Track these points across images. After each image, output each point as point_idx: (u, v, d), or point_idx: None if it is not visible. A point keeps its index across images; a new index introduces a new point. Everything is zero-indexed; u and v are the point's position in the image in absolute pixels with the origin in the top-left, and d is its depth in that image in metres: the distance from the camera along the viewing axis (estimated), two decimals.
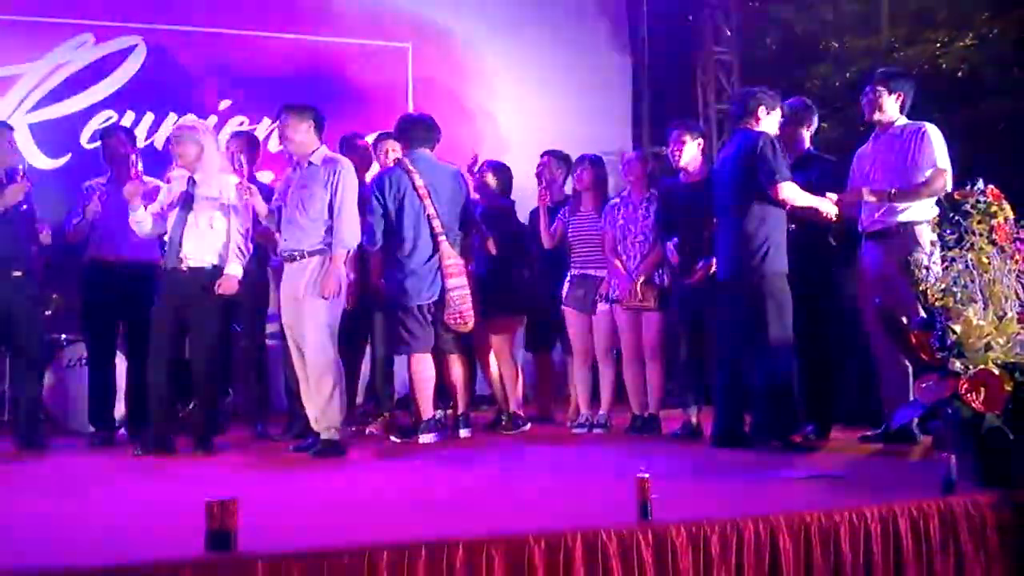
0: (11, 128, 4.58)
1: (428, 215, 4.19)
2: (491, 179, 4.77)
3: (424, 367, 4.26)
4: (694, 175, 4.23)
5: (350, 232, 3.94)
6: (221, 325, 4.19)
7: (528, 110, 6.79)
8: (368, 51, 6.58)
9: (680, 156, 4.20)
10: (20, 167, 4.42)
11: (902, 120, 3.87)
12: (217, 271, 4.06)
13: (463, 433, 4.37)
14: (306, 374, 3.93)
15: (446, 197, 4.26)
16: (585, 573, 2.10)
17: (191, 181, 4.08)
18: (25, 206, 4.36)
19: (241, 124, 6.24)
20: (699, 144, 4.24)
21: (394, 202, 4.20)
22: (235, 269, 4.06)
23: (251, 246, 4.19)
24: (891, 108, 3.84)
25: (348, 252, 3.98)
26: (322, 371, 3.86)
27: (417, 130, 4.37)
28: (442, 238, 4.20)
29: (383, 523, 2.36)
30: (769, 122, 3.82)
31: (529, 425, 4.66)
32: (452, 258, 4.20)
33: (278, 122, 4.08)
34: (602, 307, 4.41)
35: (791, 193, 3.67)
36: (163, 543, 2.11)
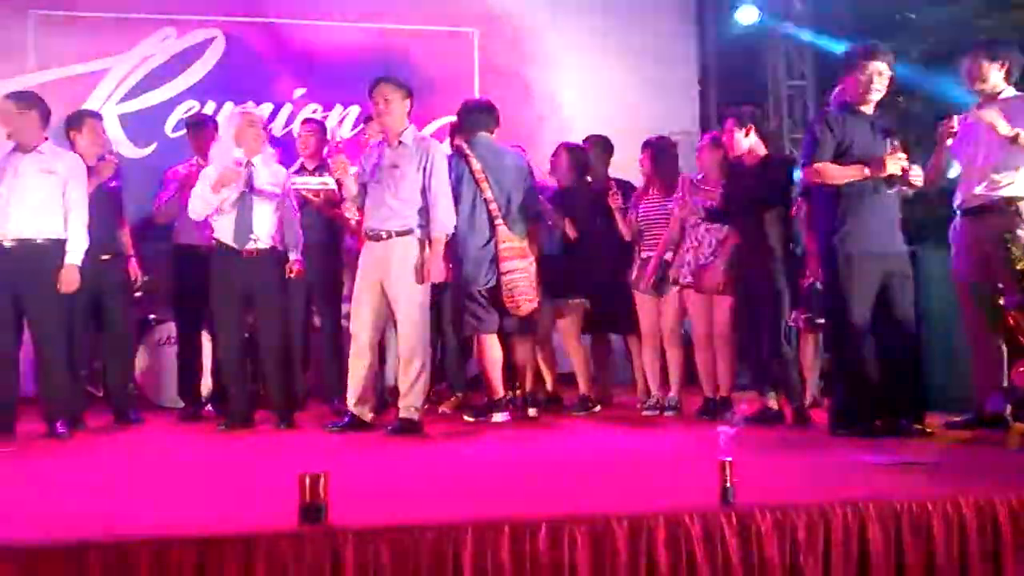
0: (101, 117, 4.87)
1: (484, 199, 4.24)
2: (565, 160, 4.81)
3: (491, 348, 4.35)
4: (752, 160, 4.15)
5: (447, 215, 4.03)
6: (288, 304, 4.42)
7: (592, 91, 6.82)
8: (435, 37, 6.70)
9: (731, 146, 4.16)
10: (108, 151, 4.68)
11: (1009, 90, 3.69)
12: (279, 253, 4.28)
13: (531, 413, 4.47)
14: (360, 348, 4.04)
15: (507, 181, 4.30)
16: (668, 556, 2.13)
17: (251, 165, 4.24)
18: (114, 183, 4.64)
19: (314, 112, 6.44)
20: (747, 132, 4.09)
21: (454, 186, 4.24)
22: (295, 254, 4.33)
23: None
24: (995, 77, 3.66)
25: (447, 234, 4.06)
26: (413, 351, 3.98)
27: (475, 115, 4.44)
28: (499, 222, 4.23)
29: (465, 500, 2.48)
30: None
31: (599, 407, 4.76)
32: (508, 242, 4.22)
33: (374, 95, 4.06)
34: (672, 290, 4.45)
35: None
36: (256, 515, 2.25)
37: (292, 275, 4.35)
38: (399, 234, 4.00)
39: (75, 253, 4.09)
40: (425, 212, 4.01)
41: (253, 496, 2.61)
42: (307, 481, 2.11)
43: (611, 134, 5.19)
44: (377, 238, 4.04)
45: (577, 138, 5.18)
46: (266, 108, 6.33)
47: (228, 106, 6.39)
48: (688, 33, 7.17)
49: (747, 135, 4.11)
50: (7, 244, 4.02)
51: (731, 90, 6.88)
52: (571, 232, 4.67)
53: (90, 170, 4.34)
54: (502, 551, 2.11)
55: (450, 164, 4.30)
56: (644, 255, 4.59)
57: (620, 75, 6.84)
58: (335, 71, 6.52)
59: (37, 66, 6.20)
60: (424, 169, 4.01)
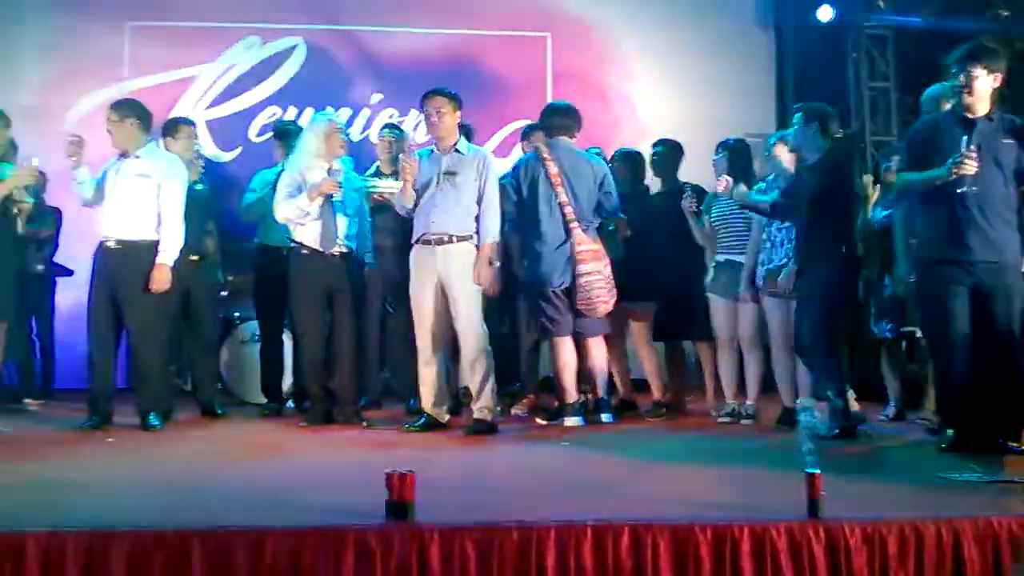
0: (194, 124, 5.07)
1: (560, 202, 4.28)
2: (620, 167, 4.86)
3: (564, 351, 4.36)
4: (809, 159, 4.05)
5: (495, 222, 4.16)
6: (365, 306, 4.55)
7: (666, 93, 6.78)
8: (508, 42, 6.75)
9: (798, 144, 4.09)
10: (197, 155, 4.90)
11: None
12: (357, 255, 4.42)
13: (603, 418, 4.44)
14: (427, 356, 4.16)
15: (583, 184, 4.34)
16: (753, 567, 2.13)
17: (340, 172, 4.34)
18: (200, 186, 4.83)
19: (391, 116, 6.56)
20: (815, 129, 3.96)
21: (527, 189, 4.34)
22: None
23: None
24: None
25: (494, 242, 4.16)
26: (478, 353, 4.08)
27: (555, 118, 4.48)
28: (574, 224, 4.27)
29: (547, 502, 2.51)
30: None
31: (672, 413, 4.73)
32: (585, 244, 4.27)
33: (427, 106, 4.20)
34: (748, 294, 4.39)
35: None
36: (343, 510, 2.33)
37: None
38: (459, 239, 4.11)
39: (167, 253, 4.28)
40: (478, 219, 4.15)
41: (340, 492, 2.69)
42: (395, 480, 2.18)
43: (686, 136, 5.16)
44: (439, 242, 4.13)
45: (652, 140, 5.17)
46: (344, 113, 6.49)
47: (308, 112, 6.59)
48: (766, 34, 7.05)
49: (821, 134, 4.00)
50: (110, 245, 4.25)
51: (810, 92, 6.72)
52: (624, 231, 4.65)
53: None
54: (585, 554, 2.14)
55: (527, 167, 4.37)
56: (721, 258, 4.55)
57: (696, 77, 6.75)
58: (411, 76, 6.58)
59: (131, 74, 6.50)
60: (481, 176, 4.16)
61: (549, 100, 6.50)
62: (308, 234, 4.35)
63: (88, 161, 4.33)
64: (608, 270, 4.32)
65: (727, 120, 6.03)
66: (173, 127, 4.82)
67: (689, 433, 4.30)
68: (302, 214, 4.30)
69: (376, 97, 6.66)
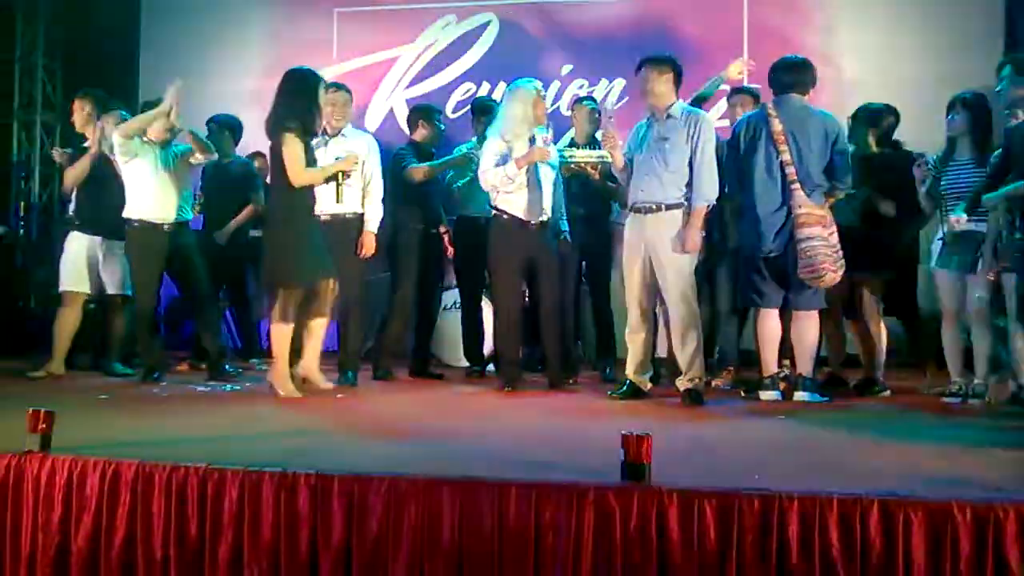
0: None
1: (782, 161, 4.03)
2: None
3: (768, 322, 4.17)
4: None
5: (710, 186, 4.02)
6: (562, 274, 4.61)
7: (873, 51, 6.30)
8: (701, 4, 6.54)
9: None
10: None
11: None
12: (554, 225, 4.49)
13: (802, 396, 4.11)
14: (635, 323, 4.12)
15: (813, 144, 4.05)
16: (1020, 553, 1.99)
17: (537, 139, 4.37)
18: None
19: (581, 87, 6.56)
20: None
21: (745, 147, 4.13)
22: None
23: None
24: None
25: (708, 206, 4.04)
26: (687, 323, 4.02)
27: (783, 74, 4.19)
28: (795, 186, 3.99)
29: (780, 473, 2.45)
30: None
31: (888, 391, 4.46)
32: (805, 207, 3.96)
33: (639, 76, 4.14)
34: (991, 268, 4.00)
35: None
36: (577, 469, 2.39)
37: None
38: (668, 207, 4.02)
39: (373, 222, 4.62)
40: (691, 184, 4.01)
41: (571, 453, 2.76)
42: (631, 441, 2.20)
43: (896, 98, 4.81)
44: (646, 210, 4.07)
45: (859, 103, 4.84)
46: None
47: (501, 86, 6.73)
48: None
49: None
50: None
51: None
52: (887, 208, 4.37)
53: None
54: (830, 527, 2.07)
55: (748, 124, 4.18)
56: (948, 230, 4.18)
57: (906, 33, 6.24)
58: (601, 46, 6.60)
59: (339, 58, 6.91)
60: (693, 139, 4.01)
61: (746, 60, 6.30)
62: (512, 203, 4.42)
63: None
64: (835, 238, 3.99)
65: (943, 76, 5.54)
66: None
67: (916, 412, 3.99)
68: (508, 182, 4.37)
69: (566, 68, 6.68)
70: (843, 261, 4.01)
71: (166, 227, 4.74)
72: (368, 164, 4.63)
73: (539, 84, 4.61)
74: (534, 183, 4.40)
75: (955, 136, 4.18)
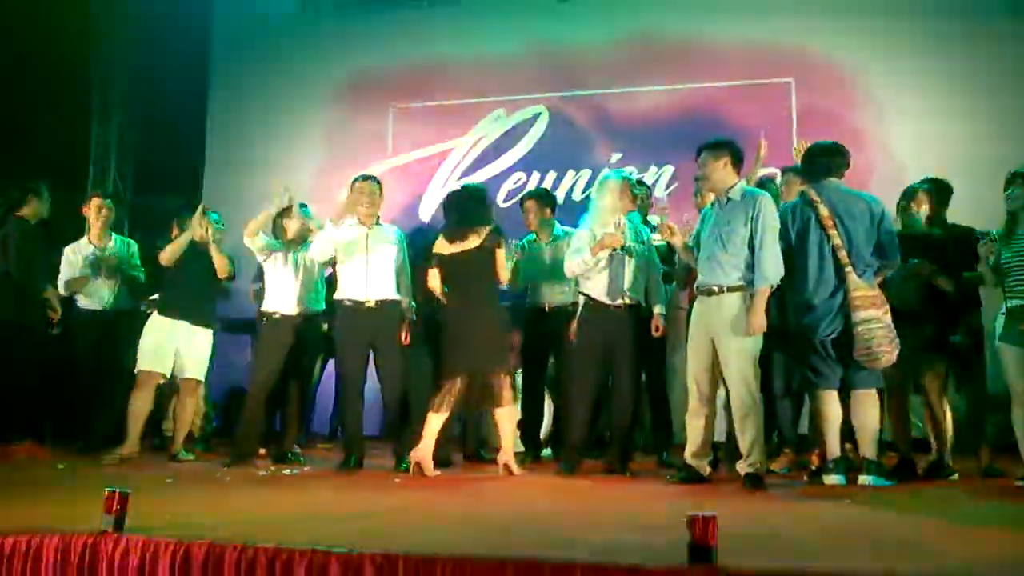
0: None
1: (834, 246, 4.07)
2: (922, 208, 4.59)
3: (829, 404, 4.13)
4: None
5: (773, 267, 3.98)
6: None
7: (922, 132, 6.38)
8: (750, 90, 6.72)
9: None
10: None
11: None
12: (640, 307, 4.56)
13: (867, 480, 4.00)
14: (695, 406, 4.10)
15: (859, 226, 4.09)
16: None
17: (617, 225, 4.51)
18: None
19: (631, 174, 6.70)
20: None
21: (795, 236, 4.16)
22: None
23: None
24: None
25: (772, 287, 4.01)
26: (748, 407, 3.97)
27: (820, 158, 4.28)
28: (848, 269, 4.03)
29: (850, 555, 2.39)
30: None
31: (957, 475, 4.33)
32: (861, 290, 3.99)
33: (698, 161, 4.22)
34: None
35: None
36: (642, 550, 2.36)
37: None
38: (730, 289, 4.02)
39: (410, 310, 4.86)
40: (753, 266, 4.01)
41: (636, 534, 2.73)
42: (698, 523, 2.17)
43: (952, 178, 4.81)
44: (709, 293, 4.10)
45: (909, 181, 4.86)
46: (584, 174, 6.74)
47: (551, 176, 6.93)
48: None
49: None
50: (370, 305, 4.75)
51: None
52: (947, 286, 4.33)
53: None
54: None
55: (794, 212, 4.23)
56: (1013, 303, 4.12)
57: (953, 117, 6.32)
58: (649, 134, 6.80)
59: (394, 152, 7.22)
60: (753, 221, 4.02)
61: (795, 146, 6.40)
62: (594, 287, 4.53)
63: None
64: (888, 318, 4.00)
65: (993, 160, 5.53)
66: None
67: (992, 498, 3.84)
68: (586, 267, 4.49)
69: (615, 156, 6.87)
70: (898, 341, 3.99)
71: (296, 318, 4.97)
72: (399, 254, 4.88)
73: (629, 173, 4.82)
74: (616, 267, 4.50)
75: (1015, 210, 4.17)
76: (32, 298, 5.30)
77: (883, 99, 6.52)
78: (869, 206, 4.16)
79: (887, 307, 4.02)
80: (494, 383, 4.43)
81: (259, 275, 5.48)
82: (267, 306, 5.01)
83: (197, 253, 5.19)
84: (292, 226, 5.04)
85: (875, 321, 3.95)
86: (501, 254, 4.51)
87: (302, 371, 5.15)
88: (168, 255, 5.16)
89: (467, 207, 4.58)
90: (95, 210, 5.69)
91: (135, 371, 5.17)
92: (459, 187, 4.92)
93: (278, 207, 4.90)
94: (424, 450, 4.39)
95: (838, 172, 4.26)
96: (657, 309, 4.58)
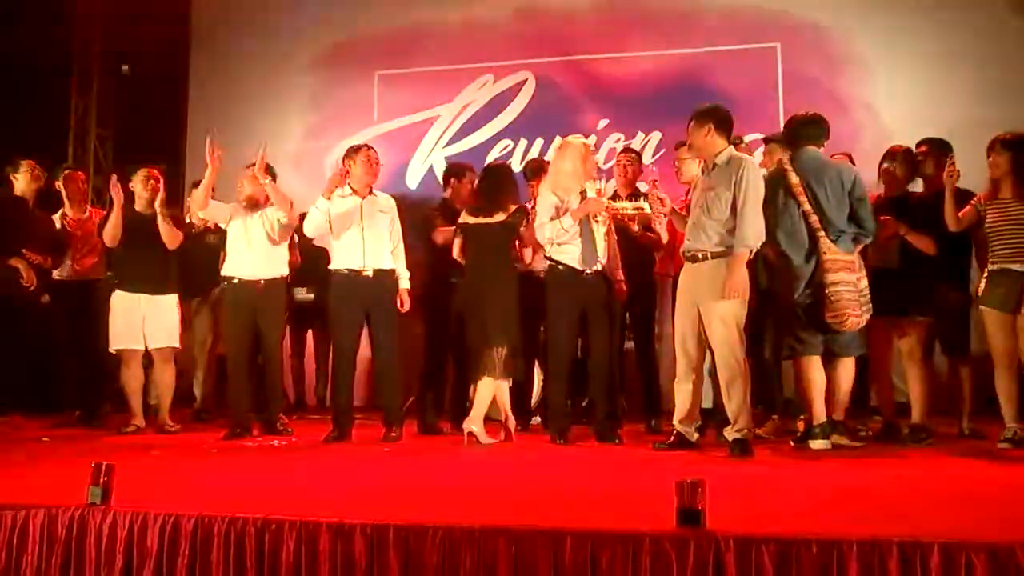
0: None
1: (803, 211, 4.11)
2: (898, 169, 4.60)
3: (812, 371, 4.15)
4: None
5: (753, 231, 3.98)
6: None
7: (910, 96, 6.32)
8: (736, 55, 6.64)
9: None
10: None
11: None
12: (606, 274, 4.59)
13: (816, 445, 4.04)
14: (682, 372, 4.11)
15: (831, 194, 4.13)
16: None
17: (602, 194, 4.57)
18: None
19: (618, 141, 6.66)
20: None
21: (771, 203, 4.17)
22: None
23: None
24: None
25: (751, 252, 4.02)
26: (733, 373, 3.98)
27: (798, 128, 4.34)
28: (821, 234, 4.08)
29: (841, 518, 2.41)
30: None
31: (931, 439, 4.36)
32: (831, 253, 4.05)
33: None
34: None
35: None
36: (632, 515, 2.39)
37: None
38: (713, 255, 4.03)
39: (406, 279, 4.85)
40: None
41: (625, 500, 2.76)
42: (685, 487, 2.19)
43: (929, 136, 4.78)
44: (693, 258, 4.11)
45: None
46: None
47: (538, 143, 6.87)
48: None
49: None
50: (368, 275, 4.71)
51: None
52: (926, 246, 4.35)
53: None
54: (891, 572, 2.03)
55: (768, 180, 4.24)
56: (995, 267, 4.14)
57: (941, 77, 6.28)
58: (636, 100, 6.73)
59: (379, 119, 7.13)
60: (735, 185, 4.01)
61: (782, 112, 6.37)
62: (567, 253, 4.53)
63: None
64: (863, 283, 4.07)
65: (984, 119, 5.52)
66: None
67: (976, 460, 3.85)
68: (564, 233, 4.47)
69: (602, 123, 6.80)
70: (870, 306, 4.06)
71: (259, 284, 4.89)
72: (395, 222, 4.87)
73: (588, 138, 4.77)
74: (587, 233, 4.50)
75: (998, 177, 4.19)
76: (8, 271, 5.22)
77: (870, 62, 6.46)
78: (840, 174, 4.21)
79: (862, 273, 4.09)
80: (494, 355, 4.53)
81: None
82: (226, 271, 4.95)
83: (143, 221, 5.10)
84: (247, 190, 4.97)
85: (843, 284, 4.00)
86: (525, 233, 4.69)
87: (269, 338, 5.01)
88: (109, 234, 5.12)
89: (499, 184, 4.76)
90: (71, 183, 5.64)
91: (110, 350, 5.18)
92: (494, 164, 5.20)
93: (212, 174, 4.77)
94: (476, 419, 4.50)
95: (816, 142, 4.30)
96: (620, 275, 4.64)
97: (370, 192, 4.85)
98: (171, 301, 5.17)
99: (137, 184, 5.21)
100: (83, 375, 5.64)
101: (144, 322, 5.09)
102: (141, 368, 5.19)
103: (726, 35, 6.66)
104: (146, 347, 5.14)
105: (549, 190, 4.60)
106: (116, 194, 5.07)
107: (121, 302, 5.12)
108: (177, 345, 5.22)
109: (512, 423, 4.69)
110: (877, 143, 5.60)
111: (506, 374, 4.57)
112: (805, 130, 4.33)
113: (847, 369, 4.23)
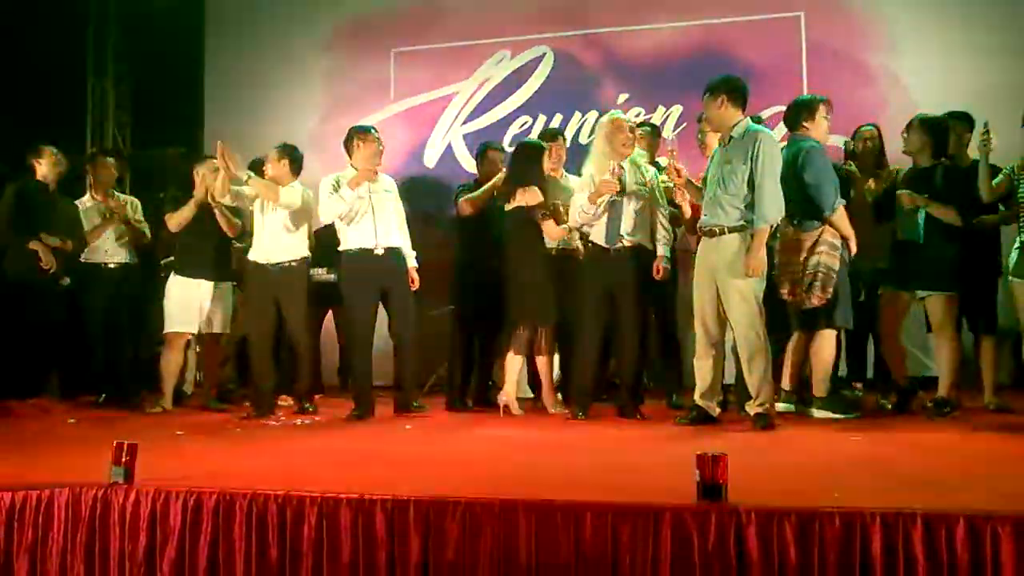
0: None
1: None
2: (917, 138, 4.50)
3: (824, 343, 4.24)
4: None
5: (772, 206, 3.92)
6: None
7: (937, 67, 6.17)
8: (758, 25, 6.52)
9: None
10: None
11: None
12: (645, 251, 4.53)
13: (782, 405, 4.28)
14: (703, 348, 4.10)
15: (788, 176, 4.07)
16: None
17: (621, 170, 4.45)
18: None
19: (639, 115, 6.55)
20: None
21: None
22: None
23: None
24: None
25: (771, 227, 3.98)
26: (753, 348, 3.95)
27: (788, 110, 4.41)
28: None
29: (862, 490, 2.39)
30: None
31: (955, 412, 4.30)
32: (781, 236, 4.16)
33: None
34: None
35: None
36: (654, 490, 2.38)
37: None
38: (731, 230, 3.98)
39: (413, 257, 4.94)
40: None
41: (647, 475, 2.75)
42: (707, 461, 2.17)
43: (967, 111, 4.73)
44: (710, 234, 4.06)
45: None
46: (591, 116, 6.60)
47: (558, 118, 6.79)
48: None
49: None
50: (378, 253, 4.76)
51: None
52: (950, 217, 4.27)
53: None
54: (915, 543, 2.00)
55: None
56: None
57: (968, 49, 6.09)
58: (656, 73, 6.63)
59: (396, 97, 7.09)
60: (752, 160, 3.94)
61: (805, 83, 6.25)
62: (594, 231, 4.51)
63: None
64: (824, 259, 4.06)
65: (1019, 89, 5.38)
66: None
67: (1002, 432, 3.80)
68: (589, 217, 4.46)
69: (622, 97, 6.71)
70: (820, 285, 4.07)
71: (275, 267, 4.92)
72: (398, 202, 4.96)
73: (622, 114, 4.69)
74: (615, 211, 4.45)
75: None
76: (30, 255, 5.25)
77: (895, 32, 6.31)
78: (794, 155, 4.16)
79: (824, 248, 4.08)
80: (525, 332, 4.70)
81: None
82: (250, 255, 5.01)
83: (203, 208, 5.20)
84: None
85: (788, 265, 4.12)
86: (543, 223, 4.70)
87: (293, 320, 5.01)
88: (176, 223, 5.22)
89: (517, 165, 4.81)
90: (101, 168, 5.71)
91: (163, 332, 5.29)
92: (521, 142, 5.07)
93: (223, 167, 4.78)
94: (509, 392, 4.67)
95: (798, 127, 4.29)
96: (660, 251, 4.51)
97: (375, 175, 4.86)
98: (228, 288, 5.34)
99: (198, 182, 5.25)
100: (118, 358, 5.68)
101: (201, 308, 5.21)
102: (183, 353, 5.34)
103: (748, 4, 6.53)
104: (199, 331, 5.27)
105: (586, 169, 4.61)
106: (202, 180, 5.17)
107: (179, 287, 5.23)
108: (228, 331, 5.37)
109: (509, 400, 4.73)
110: (903, 113, 5.47)
111: (546, 351, 4.70)
112: (790, 114, 4.37)
113: (827, 342, 4.27)
